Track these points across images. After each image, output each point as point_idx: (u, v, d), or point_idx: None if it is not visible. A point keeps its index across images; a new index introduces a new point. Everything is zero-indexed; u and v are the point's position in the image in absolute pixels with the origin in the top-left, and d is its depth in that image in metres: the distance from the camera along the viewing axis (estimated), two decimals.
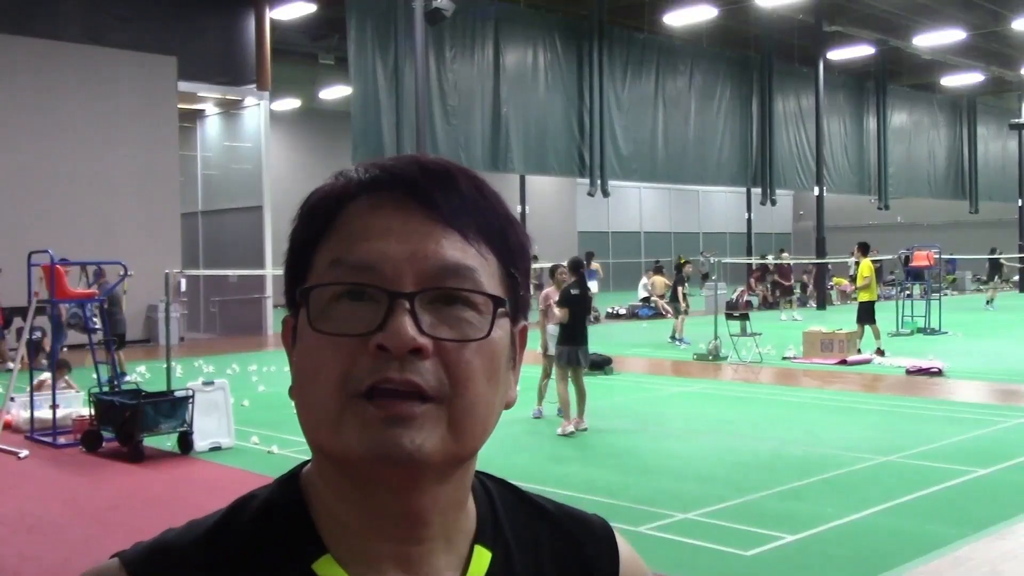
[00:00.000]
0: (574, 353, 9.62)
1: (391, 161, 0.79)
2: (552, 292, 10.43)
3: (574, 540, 0.88)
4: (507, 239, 0.79)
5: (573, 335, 9.65)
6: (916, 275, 21.91)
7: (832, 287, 29.21)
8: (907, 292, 21.79)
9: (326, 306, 0.74)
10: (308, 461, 0.82)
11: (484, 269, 0.76)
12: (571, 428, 9.52)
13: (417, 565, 0.77)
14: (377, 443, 0.71)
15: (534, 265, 27.92)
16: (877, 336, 15.78)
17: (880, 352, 15.45)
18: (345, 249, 0.75)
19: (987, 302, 26.67)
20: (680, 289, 18.83)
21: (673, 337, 18.32)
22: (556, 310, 9.93)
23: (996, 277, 29.46)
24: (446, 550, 0.79)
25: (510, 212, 0.81)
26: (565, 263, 10.32)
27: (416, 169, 0.77)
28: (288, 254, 0.80)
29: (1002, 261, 32.05)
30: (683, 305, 18.51)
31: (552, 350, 10.22)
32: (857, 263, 16.51)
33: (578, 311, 9.72)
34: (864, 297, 15.96)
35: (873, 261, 16.77)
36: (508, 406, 0.80)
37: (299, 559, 0.76)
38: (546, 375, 10.40)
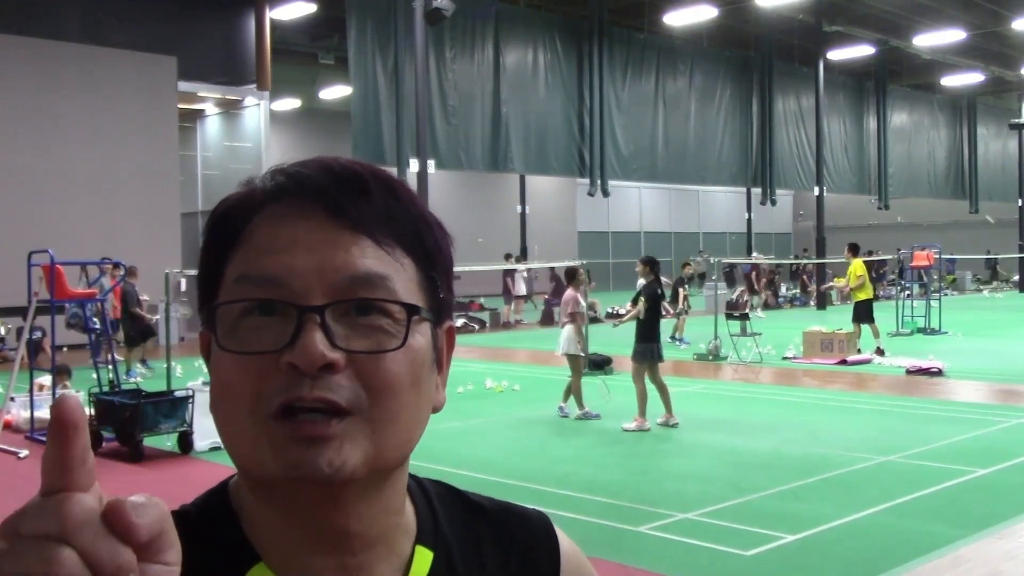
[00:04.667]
0: (652, 349, 9.75)
1: (298, 167, 0.76)
2: (578, 295, 10.38)
3: (513, 535, 0.87)
4: (423, 242, 0.76)
5: (655, 332, 9.82)
6: (920, 275, 21.94)
7: (832, 287, 29.20)
8: (907, 292, 21.82)
9: (235, 323, 0.71)
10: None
11: (399, 275, 0.73)
12: (640, 424, 9.59)
13: (356, 573, 0.75)
14: (292, 465, 0.69)
15: (534, 265, 27.92)
16: (876, 335, 15.78)
17: (880, 352, 15.45)
18: (251, 264, 0.72)
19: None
20: (681, 290, 18.94)
21: (673, 337, 18.33)
22: (635, 307, 10.16)
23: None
24: (386, 556, 0.77)
25: (426, 213, 0.78)
26: (575, 264, 10.48)
27: (323, 174, 0.74)
28: (199, 269, 0.77)
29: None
30: (683, 306, 18.65)
31: (571, 349, 10.19)
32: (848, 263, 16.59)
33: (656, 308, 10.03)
34: (860, 296, 15.98)
35: (875, 261, 16.80)
36: (436, 410, 0.78)
37: (231, 569, 0.74)
38: (578, 375, 10.31)
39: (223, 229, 0.76)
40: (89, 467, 0.53)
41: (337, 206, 0.73)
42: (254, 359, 0.69)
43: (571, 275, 10.86)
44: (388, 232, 0.74)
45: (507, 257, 26.89)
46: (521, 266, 25.15)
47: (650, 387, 9.74)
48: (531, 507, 0.92)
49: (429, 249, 0.77)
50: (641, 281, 10.55)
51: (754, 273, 26.90)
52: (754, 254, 31.23)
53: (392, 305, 0.72)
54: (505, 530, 0.87)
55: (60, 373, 10.39)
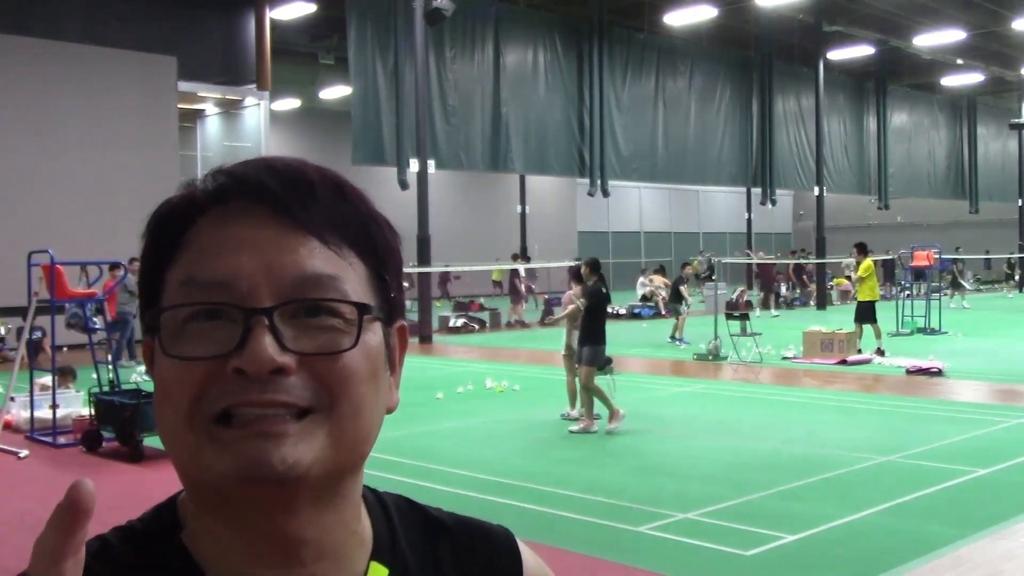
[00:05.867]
0: (601, 352, 9.65)
1: (240, 167, 0.74)
2: (578, 292, 10.27)
3: (475, 551, 0.85)
4: (372, 240, 0.74)
5: (602, 334, 9.71)
6: (918, 275, 21.95)
7: (832, 287, 29.21)
8: (907, 292, 21.82)
9: (179, 328, 0.69)
10: None
11: (348, 275, 0.71)
12: (588, 427, 9.57)
13: None
14: (242, 464, 0.66)
15: (533, 265, 27.92)
16: (878, 336, 15.78)
17: (880, 352, 15.45)
18: (196, 267, 0.70)
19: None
20: (682, 289, 18.98)
21: (673, 337, 18.34)
22: (579, 303, 9.91)
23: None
24: (337, 570, 0.74)
25: (375, 211, 0.76)
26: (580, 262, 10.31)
27: (266, 174, 0.72)
28: (139, 274, 0.75)
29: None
30: (685, 305, 18.68)
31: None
32: (858, 263, 16.55)
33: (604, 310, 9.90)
34: (864, 296, 15.98)
35: (876, 261, 16.80)
36: (390, 411, 0.76)
37: None
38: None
39: (164, 232, 0.73)
40: (80, 557, 0.54)
41: (282, 206, 0.70)
42: (199, 364, 0.67)
43: (579, 274, 10.46)
44: (336, 232, 0.71)
45: (514, 257, 26.90)
46: (520, 266, 25.16)
47: (578, 386, 9.74)
48: (497, 524, 0.90)
49: (379, 248, 0.75)
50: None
51: (769, 270, 26.90)
52: (760, 252, 31.30)
53: (343, 306, 0.69)
54: (467, 547, 0.85)
55: (64, 374, 10.39)
